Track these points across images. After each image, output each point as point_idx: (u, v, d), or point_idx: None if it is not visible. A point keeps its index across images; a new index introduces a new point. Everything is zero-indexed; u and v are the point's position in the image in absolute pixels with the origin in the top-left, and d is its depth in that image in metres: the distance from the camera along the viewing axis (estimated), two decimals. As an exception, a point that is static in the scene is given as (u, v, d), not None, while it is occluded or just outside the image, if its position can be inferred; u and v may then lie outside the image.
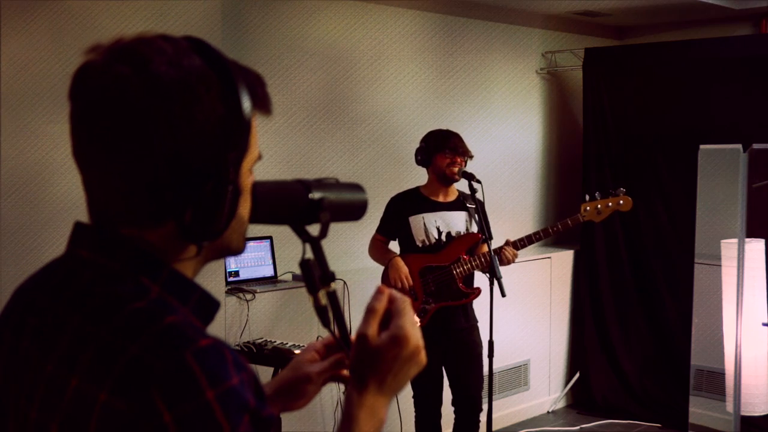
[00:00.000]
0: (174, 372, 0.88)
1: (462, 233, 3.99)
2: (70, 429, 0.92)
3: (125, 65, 0.94)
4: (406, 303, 1.07)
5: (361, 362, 1.05)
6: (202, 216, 0.96)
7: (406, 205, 4.02)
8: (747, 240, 4.76)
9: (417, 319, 1.07)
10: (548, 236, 4.06)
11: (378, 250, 4.08)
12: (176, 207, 0.96)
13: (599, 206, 4.04)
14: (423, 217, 3.98)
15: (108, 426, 0.88)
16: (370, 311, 1.06)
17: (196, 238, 0.98)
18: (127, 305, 0.93)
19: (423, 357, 1.07)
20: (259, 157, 1.05)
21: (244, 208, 1.03)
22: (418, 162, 4.04)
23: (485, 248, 3.97)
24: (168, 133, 0.93)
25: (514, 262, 3.97)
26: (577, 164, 5.95)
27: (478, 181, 3.91)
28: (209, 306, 1.02)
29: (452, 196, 4.05)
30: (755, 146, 4.74)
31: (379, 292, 1.08)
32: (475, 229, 4.01)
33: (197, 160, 0.95)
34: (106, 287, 0.95)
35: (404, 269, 3.91)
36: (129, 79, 0.94)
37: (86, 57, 0.98)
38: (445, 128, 4.11)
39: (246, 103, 0.98)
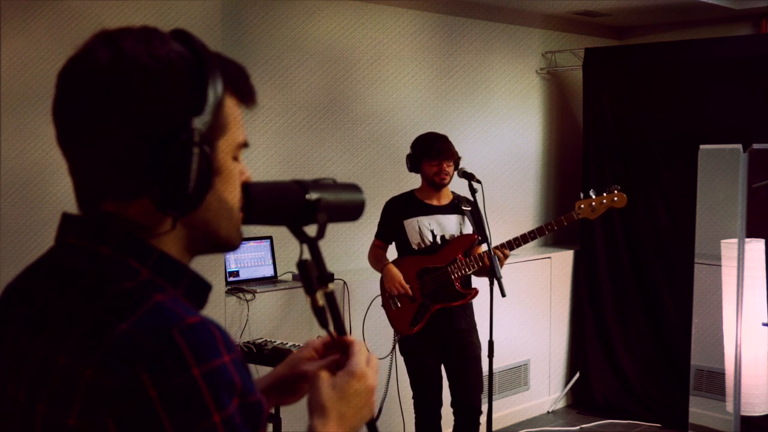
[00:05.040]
0: (160, 348, 0.88)
1: (455, 236, 3.99)
2: (57, 405, 0.92)
3: (95, 44, 0.98)
4: (359, 346, 1.12)
5: (321, 395, 1.07)
6: (170, 183, 0.95)
7: (401, 208, 4.03)
8: (747, 240, 4.76)
9: (375, 362, 1.13)
10: (543, 234, 4.06)
11: (374, 257, 4.09)
12: (147, 177, 0.96)
13: (593, 203, 4.06)
14: (418, 221, 3.98)
15: (94, 401, 0.89)
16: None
17: (167, 207, 0.97)
18: (116, 285, 0.94)
19: (374, 402, 1.11)
20: (245, 145, 1.05)
21: (228, 192, 1.03)
22: (409, 169, 4.05)
23: (481, 249, 3.98)
24: (135, 106, 0.95)
25: (503, 263, 3.94)
26: (577, 164, 5.95)
27: (478, 181, 3.91)
28: (201, 288, 1.03)
29: (446, 200, 4.05)
30: (755, 146, 4.74)
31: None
32: (468, 230, 4.01)
33: (162, 127, 0.95)
34: (94, 270, 0.96)
35: (398, 276, 3.91)
36: (96, 55, 0.96)
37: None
38: (433, 131, 4.08)
39: (216, 78, 0.98)
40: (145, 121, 0.95)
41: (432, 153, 3.92)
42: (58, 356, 0.93)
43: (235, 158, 1.04)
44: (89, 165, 0.99)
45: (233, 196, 1.04)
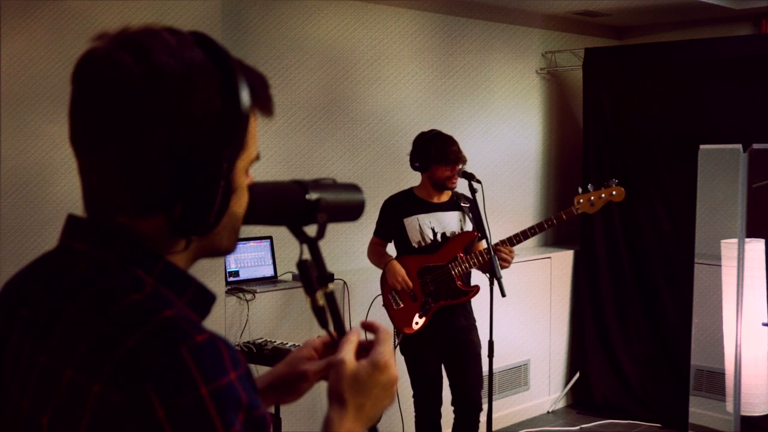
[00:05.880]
0: (169, 367, 0.87)
1: (456, 233, 3.99)
2: (62, 420, 0.91)
3: (127, 54, 0.95)
4: (386, 334, 1.11)
5: (341, 386, 1.06)
6: (191, 210, 0.96)
7: (400, 206, 4.02)
8: (747, 240, 4.76)
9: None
10: (543, 230, 4.07)
11: (375, 254, 4.09)
12: (167, 199, 0.95)
13: (592, 198, 4.07)
14: (417, 219, 3.98)
15: (101, 418, 0.88)
16: (346, 340, 1.10)
17: (185, 232, 0.97)
18: (124, 297, 0.92)
19: (395, 391, 1.10)
20: (257, 158, 1.05)
21: (238, 206, 1.03)
22: (416, 168, 3.99)
23: (481, 246, 3.98)
24: (163, 125, 0.93)
25: (512, 260, 3.94)
26: (577, 164, 5.95)
27: (478, 181, 3.91)
28: (205, 299, 1.02)
29: (445, 197, 4.04)
30: (755, 146, 4.74)
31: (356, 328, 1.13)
32: (469, 227, 4.01)
33: (191, 154, 0.95)
34: (101, 279, 0.95)
35: (401, 272, 3.91)
36: (129, 68, 0.94)
37: (92, 44, 0.98)
38: (437, 130, 4.02)
39: (245, 99, 0.98)
40: (173, 145, 0.94)
41: (450, 159, 3.89)
42: (64, 368, 0.92)
43: (247, 172, 1.04)
44: (105, 174, 0.97)
45: (241, 208, 1.04)
